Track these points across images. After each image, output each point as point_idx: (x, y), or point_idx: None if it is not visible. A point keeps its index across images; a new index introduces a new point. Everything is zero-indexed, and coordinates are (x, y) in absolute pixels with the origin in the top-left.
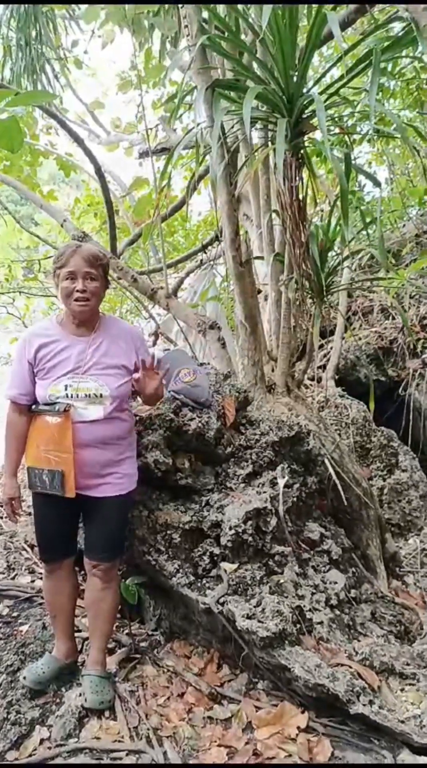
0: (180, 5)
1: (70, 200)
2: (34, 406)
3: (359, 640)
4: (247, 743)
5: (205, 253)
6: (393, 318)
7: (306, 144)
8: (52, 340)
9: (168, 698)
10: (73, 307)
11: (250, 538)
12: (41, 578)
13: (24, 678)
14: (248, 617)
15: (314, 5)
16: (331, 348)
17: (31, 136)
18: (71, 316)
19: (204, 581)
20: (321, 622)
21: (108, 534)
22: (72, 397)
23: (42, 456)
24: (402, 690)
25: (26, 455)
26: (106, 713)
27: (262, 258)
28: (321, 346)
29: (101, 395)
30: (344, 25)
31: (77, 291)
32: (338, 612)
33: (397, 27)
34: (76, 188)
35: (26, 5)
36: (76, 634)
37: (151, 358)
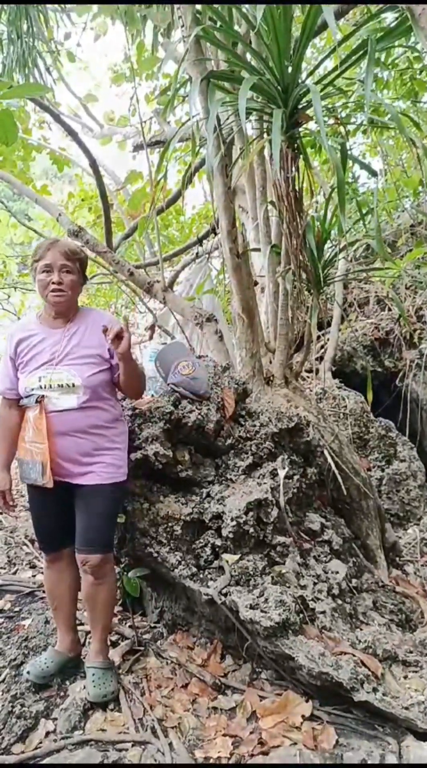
0: None
1: (64, 195)
2: (21, 401)
3: (361, 629)
4: (252, 732)
5: (201, 246)
6: (389, 309)
7: (301, 134)
8: (30, 334)
9: (172, 689)
10: (49, 298)
11: (251, 529)
12: (42, 573)
13: (28, 672)
14: (251, 607)
15: None
16: (327, 339)
17: (23, 130)
18: (49, 309)
19: (206, 572)
20: (324, 612)
21: (93, 524)
22: (45, 387)
23: (27, 448)
24: (405, 677)
25: (18, 449)
26: (111, 705)
27: (258, 250)
28: (318, 338)
29: (73, 384)
30: (337, 16)
31: (53, 283)
32: (340, 601)
33: (389, 17)
34: (68, 183)
35: None
36: (78, 627)
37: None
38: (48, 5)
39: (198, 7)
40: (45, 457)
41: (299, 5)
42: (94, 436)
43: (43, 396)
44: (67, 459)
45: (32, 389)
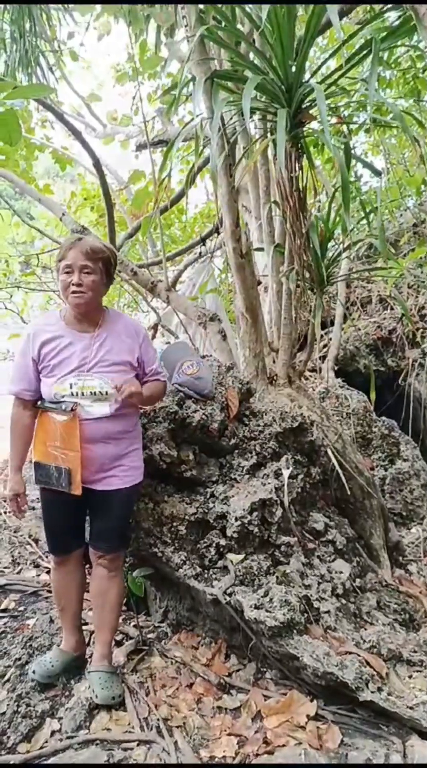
0: None
1: (66, 194)
2: (39, 403)
3: (365, 629)
4: (256, 732)
5: (204, 245)
6: (392, 308)
7: (305, 134)
8: (55, 336)
9: (177, 689)
10: (69, 299)
11: (255, 529)
12: (47, 572)
13: (33, 672)
14: (256, 607)
15: None
16: (330, 339)
17: (26, 129)
18: (72, 311)
19: (211, 572)
20: (328, 611)
21: (114, 526)
22: (77, 395)
23: (49, 452)
24: (410, 677)
25: (33, 451)
26: (116, 705)
27: (262, 249)
28: (321, 337)
29: (106, 393)
30: (341, 15)
31: (73, 284)
32: (344, 601)
33: (392, 16)
34: (70, 182)
35: None
36: (83, 627)
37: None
38: (51, 5)
39: (201, 6)
40: (75, 464)
41: (303, 4)
42: (121, 440)
43: (76, 404)
44: (94, 465)
45: (63, 396)
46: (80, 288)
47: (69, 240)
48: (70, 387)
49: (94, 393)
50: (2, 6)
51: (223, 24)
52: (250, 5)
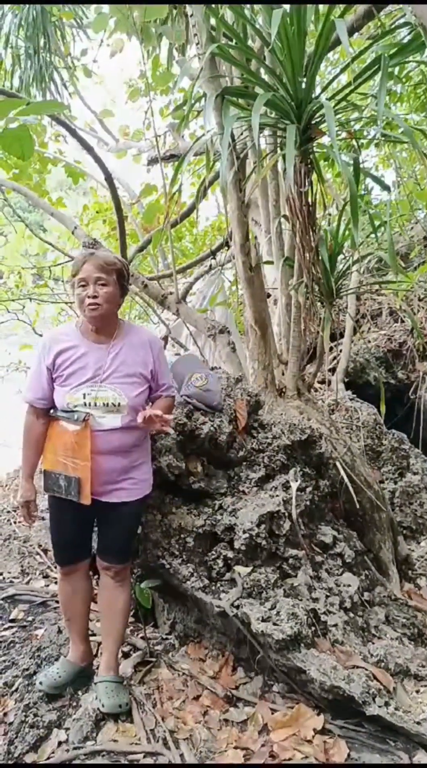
0: (190, 14)
1: (78, 207)
2: (52, 411)
3: (373, 643)
4: (263, 745)
5: (214, 258)
6: (402, 320)
7: (314, 149)
8: (70, 345)
9: (184, 701)
10: (86, 313)
11: (263, 542)
12: (55, 582)
13: (40, 683)
14: (263, 620)
15: (322, 10)
16: (340, 351)
17: (40, 144)
18: (89, 323)
19: (218, 585)
20: (336, 625)
21: (122, 537)
22: (90, 405)
23: (59, 461)
24: (417, 692)
25: (44, 459)
26: (123, 716)
27: (271, 263)
28: (330, 349)
29: (119, 404)
30: (352, 31)
31: (88, 297)
32: (352, 615)
33: (403, 32)
34: (83, 195)
35: (35, 13)
36: (91, 638)
37: (158, 413)
38: (65, 20)
39: (213, 23)
40: (85, 474)
41: (313, 21)
42: (131, 453)
43: (89, 414)
44: (105, 477)
45: (76, 406)
46: (96, 300)
47: (82, 255)
48: (83, 397)
49: (107, 404)
50: (17, 23)
51: (234, 41)
52: (260, 22)
